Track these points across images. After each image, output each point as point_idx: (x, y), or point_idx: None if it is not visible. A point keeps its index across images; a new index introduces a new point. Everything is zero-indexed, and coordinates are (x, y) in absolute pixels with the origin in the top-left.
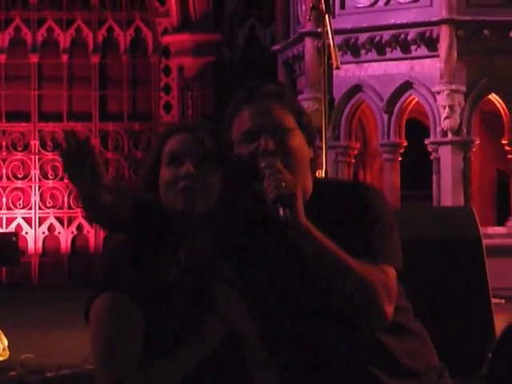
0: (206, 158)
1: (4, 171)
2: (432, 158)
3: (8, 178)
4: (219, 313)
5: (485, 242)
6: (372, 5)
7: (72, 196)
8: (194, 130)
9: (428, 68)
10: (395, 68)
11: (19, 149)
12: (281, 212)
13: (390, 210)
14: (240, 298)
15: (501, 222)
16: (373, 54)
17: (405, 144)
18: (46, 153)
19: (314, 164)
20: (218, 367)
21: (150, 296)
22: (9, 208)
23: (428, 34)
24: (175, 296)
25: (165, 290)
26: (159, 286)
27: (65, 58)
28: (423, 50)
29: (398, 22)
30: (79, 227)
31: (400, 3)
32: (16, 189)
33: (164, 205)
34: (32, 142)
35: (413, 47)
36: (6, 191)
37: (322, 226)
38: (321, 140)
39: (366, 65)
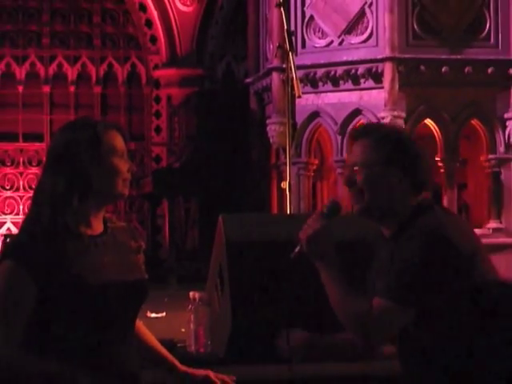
0: None
1: (21, 183)
2: None
3: (24, 189)
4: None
5: None
6: (328, 45)
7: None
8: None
9: (374, 98)
10: (347, 97)
11: (34, 164)
12: (296, 249)
13: (433, 256)
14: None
15: None
16: (328, 86)
17: None
18: None
19: (414, 185)
20: None
21: (64, 286)
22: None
23: (374, 69)
24: (99, 304)
25: (89, 292)
26: (85, 286)
27: (72, 88)
28: (370, 83)
29: (350, 59)
30: None
31: (351, 44)
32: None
33: None
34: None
35: (362, 80)
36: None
37: (396, 250)
38: (285, 157)
39: (322, 95)
